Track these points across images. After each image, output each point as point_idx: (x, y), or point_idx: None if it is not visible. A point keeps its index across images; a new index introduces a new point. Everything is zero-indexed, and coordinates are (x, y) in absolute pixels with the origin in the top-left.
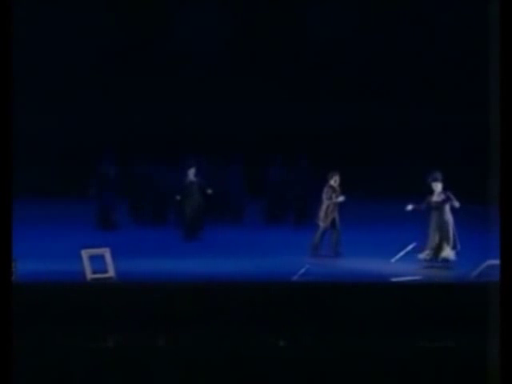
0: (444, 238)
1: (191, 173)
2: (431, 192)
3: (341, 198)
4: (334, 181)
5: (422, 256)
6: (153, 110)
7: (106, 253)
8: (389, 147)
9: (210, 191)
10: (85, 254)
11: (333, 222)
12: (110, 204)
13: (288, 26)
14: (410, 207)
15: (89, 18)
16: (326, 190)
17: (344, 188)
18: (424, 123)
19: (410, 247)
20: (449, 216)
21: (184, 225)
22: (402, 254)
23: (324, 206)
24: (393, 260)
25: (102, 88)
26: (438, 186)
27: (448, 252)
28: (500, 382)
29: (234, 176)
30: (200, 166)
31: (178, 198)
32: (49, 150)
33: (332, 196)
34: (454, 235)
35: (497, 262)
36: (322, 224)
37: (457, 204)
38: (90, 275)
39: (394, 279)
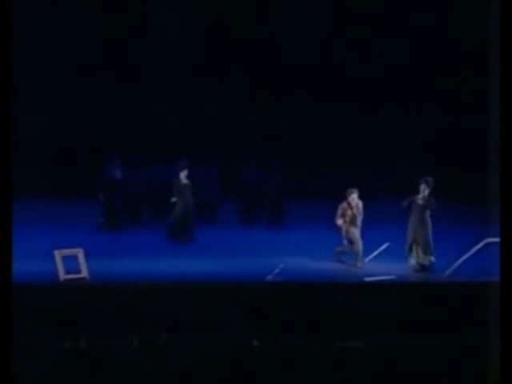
0: (416, 241)
1: (183, 175)
2: (417, 192)
3: (339, 222)
4: (352, 199)
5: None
6: (125, 111)
7: (80, 253)
8: (369, 149)
9: (194, 201)
10: (58, 254)
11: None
12: (116, 205)
13: (266, 27)
14: None
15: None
16: (340, 205)
17: (319, 189)
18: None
19: (383, 247)
20: (427, 221)
21: (172, 226)
22: (375, 253)
23: (340, 222)
24: (366, 260)
25: (80, 88)
26: (425, 190)
27: (420, 255)
28: (500, 382)
29: (209, 176)
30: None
31: (174, 199)
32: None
33: (345, 213)
34: (427, 241)
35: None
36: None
37: (432, 212)
38: (63, 276)
39: (367, 279)
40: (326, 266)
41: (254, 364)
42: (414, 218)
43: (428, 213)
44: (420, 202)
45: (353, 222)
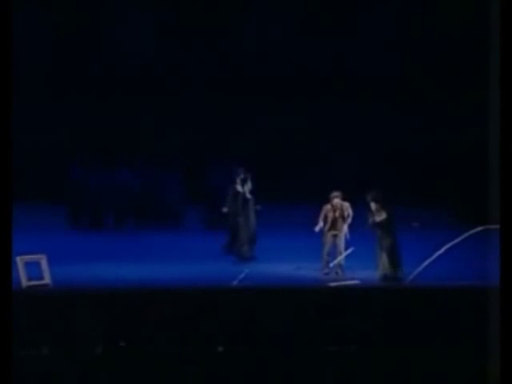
0: (382, 252)
1: (244, 184)
2: (371, 211)
3: (320, 224)
4: (336, 196)
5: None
6: (94, 117)
7: (42, 259)
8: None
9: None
10: (20, 260)
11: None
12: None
13: (223, 38)
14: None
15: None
16: (324, 207)
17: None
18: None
19: (348, 252)
20: (391, 233)
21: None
22: (340, 258)
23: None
24: (331, 265)
25: (42, 90)
26: (374, 206)
27: (385, 266)
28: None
29: (173, 182)
30: (138, 171)
31: (225, 209)
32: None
33: (328, 215)
34: (393, 252)
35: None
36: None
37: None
38: (25, 282)
39: (332, 284)
40: (291, 271)
41: (219, 370)
42: (378, 231)
43: (389, 225)
44: (377, 219)
45: (334, 224)
